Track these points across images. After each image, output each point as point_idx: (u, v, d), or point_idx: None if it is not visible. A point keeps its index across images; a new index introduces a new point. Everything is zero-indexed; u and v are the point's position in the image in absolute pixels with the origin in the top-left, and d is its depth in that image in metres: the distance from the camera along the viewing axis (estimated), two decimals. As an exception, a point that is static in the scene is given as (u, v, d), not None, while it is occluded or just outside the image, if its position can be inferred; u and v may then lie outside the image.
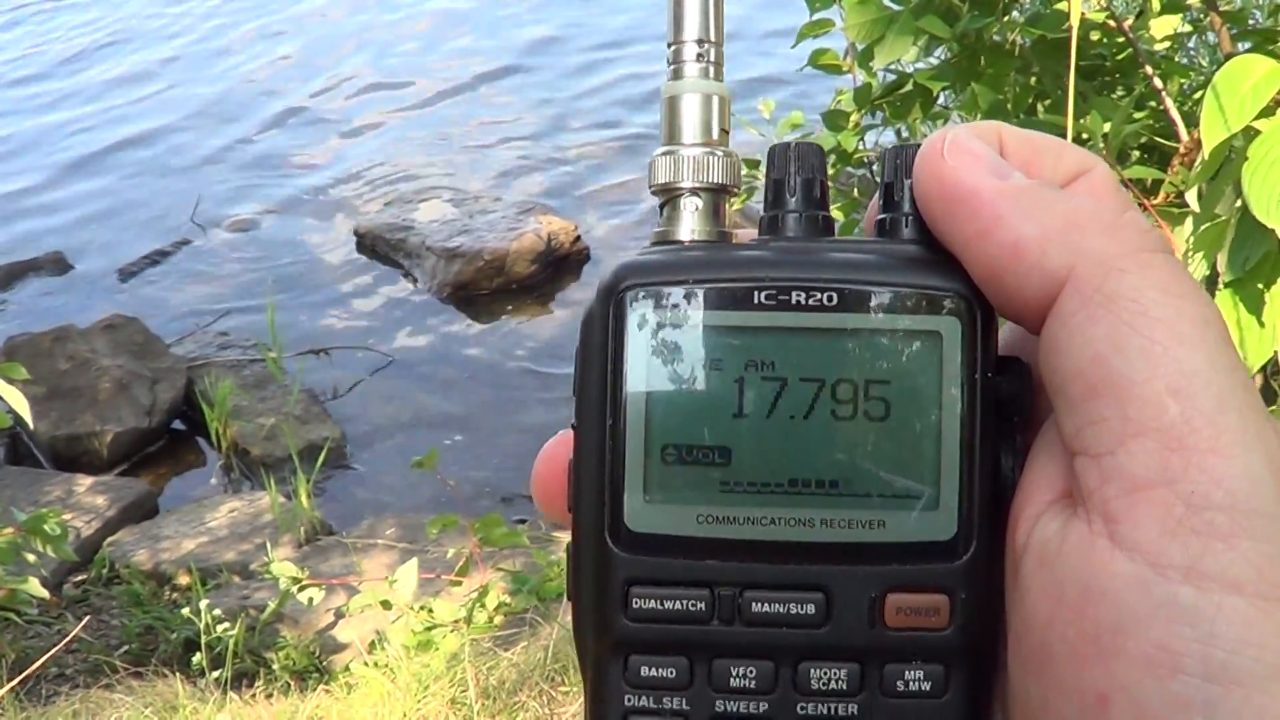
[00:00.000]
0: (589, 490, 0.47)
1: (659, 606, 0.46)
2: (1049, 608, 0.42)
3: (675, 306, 0.46)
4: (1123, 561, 0.40)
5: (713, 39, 0.50)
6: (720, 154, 0.50)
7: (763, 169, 0.51)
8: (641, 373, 0.46)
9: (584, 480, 0.47)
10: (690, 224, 0.50)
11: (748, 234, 0.51)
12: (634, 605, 0.46)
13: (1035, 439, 0.48)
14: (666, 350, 0.46)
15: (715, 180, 0.50)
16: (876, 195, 0.51)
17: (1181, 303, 0.41)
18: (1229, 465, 0.39)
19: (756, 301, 0.46)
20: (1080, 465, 0.42)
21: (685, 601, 0.46)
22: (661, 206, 0.51)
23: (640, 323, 0.47)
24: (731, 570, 0.46)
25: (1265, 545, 0.38)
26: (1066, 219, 0.44)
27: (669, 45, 0.50)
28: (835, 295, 0.46)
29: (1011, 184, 0.45)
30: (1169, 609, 0.38)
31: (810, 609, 0.46)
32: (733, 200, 0.52)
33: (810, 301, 0.46)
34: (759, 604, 0.46)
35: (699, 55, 0.50)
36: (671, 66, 0.50)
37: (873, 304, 0.46)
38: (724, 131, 0.50)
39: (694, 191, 0.50)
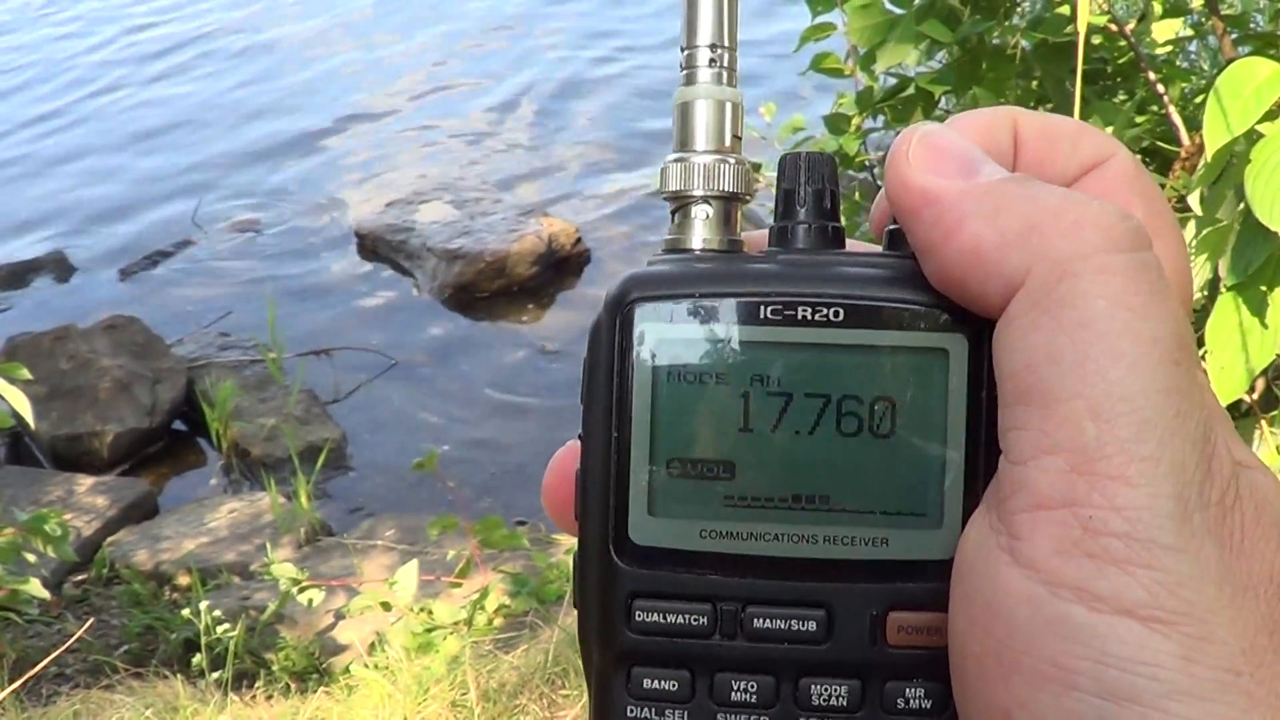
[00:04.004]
0: (594, 502, 0.47)
1: (661, 620, 0.46)
2: (962, 621, 0.42)
3: (681, 320, 0.46)
4: (1019, 579, 0.40)
5: (726, 44, 0.50)
6: (732, 162, 0.49)
7: (765, 172, 0.50)
8: (646, 385, 0.46)
9: (589, 492, 0.47)
10: (701, 232, 0.49)
11: (760, 238, 0.51)
12: (636, 618, 0.47)
13: None
14: (672, 363, 0.46)
15: (726, 189, 0.49)
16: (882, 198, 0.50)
17: (1130, 316, 0.40)
18: (1133, 494, 0.38)
19: (762, 316, 0.46)
20: (1001, 469, 0.42)
21: (687, 615, 0.46)
22: (673, 213, 0.50)
23: (646, 335, 0.46)
24: (734, 585, 0.46)
25: (1159, 573, 0.38)
26: (1026, 219, 0.42)
27: (682, 50, 0.50)
28: (841, 311, 0.45)
29: (977, 183, 0.43)
30: (1061, 627, 0.38)
31: (812, 625, 0.46)
32: (743, 207, 0.51)
33: (816, 317, 0.45)
34: (760, 619, 0.46)
35: (711, 60, 0.49)
36: (684, 71, 0.50)
37: (879, 320, 0.45)
38: (736, 138, 0.50)
39: (705, 199, 0.49)
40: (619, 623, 0.47)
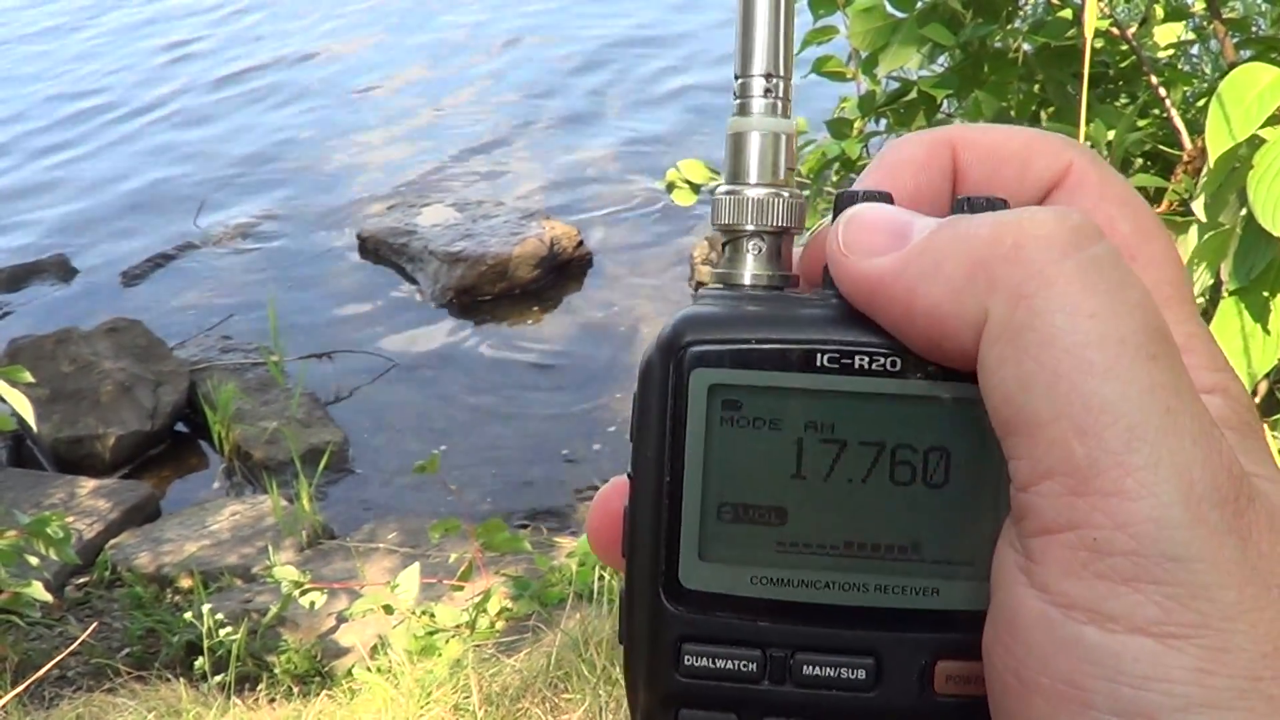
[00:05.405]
0: (643, 544, 0.47)
1: (710, 664, 0.46)
2: (989, 637, 0.42)
3: (736, 365, 0.46)
4: (1034, 600, 0.40)
5: (781, 74, 0.49)
6: (785, 195, 0.49)
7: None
8: (700, 430, 0.46)
9: (639, 533, 0.47)
10: (752, 267, 0.49)
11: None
12: (685, 662, 0.47)
13: None
14: (726, 409, 0.46)
15: (778, 223, 0.49)
16: None
17: (1090, 323, 0.38)
18: (1134, 508, 0.37)
19: (818, 364, 0.45)
20: (1012, 493, 0.42)
21: (736, 661, 0.46)
22: (724, 245, 0.50)
23: (700, 379, 0.46)
24: (783, 632, 0.46)
25: (1170, 587, 0.37)
26: (967, 260, 0.41)
27: (736, 79, 0.49)
28: (898, 361, 0.45)
29: (909, 248, 0.43)
30: (1075, 648, 0.38)
31: (860, 673, 0.46)
32: (796, 240, 0.51)
33: (873, 366, 0.45)
34: (810, 666, 0.46)
35: (767, 90, 0.49)
36: (738, 101, 0.49)
37: (933, 371, 0.45)
38: (789, 170, 0.50)
39: (757, 234, 0.49)
40: (668, 665, 0.47)
